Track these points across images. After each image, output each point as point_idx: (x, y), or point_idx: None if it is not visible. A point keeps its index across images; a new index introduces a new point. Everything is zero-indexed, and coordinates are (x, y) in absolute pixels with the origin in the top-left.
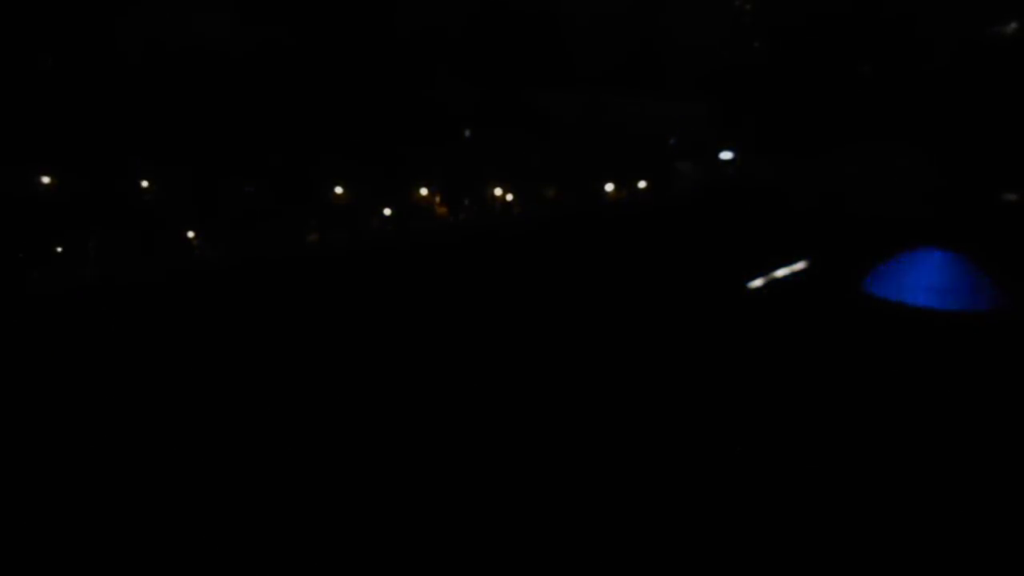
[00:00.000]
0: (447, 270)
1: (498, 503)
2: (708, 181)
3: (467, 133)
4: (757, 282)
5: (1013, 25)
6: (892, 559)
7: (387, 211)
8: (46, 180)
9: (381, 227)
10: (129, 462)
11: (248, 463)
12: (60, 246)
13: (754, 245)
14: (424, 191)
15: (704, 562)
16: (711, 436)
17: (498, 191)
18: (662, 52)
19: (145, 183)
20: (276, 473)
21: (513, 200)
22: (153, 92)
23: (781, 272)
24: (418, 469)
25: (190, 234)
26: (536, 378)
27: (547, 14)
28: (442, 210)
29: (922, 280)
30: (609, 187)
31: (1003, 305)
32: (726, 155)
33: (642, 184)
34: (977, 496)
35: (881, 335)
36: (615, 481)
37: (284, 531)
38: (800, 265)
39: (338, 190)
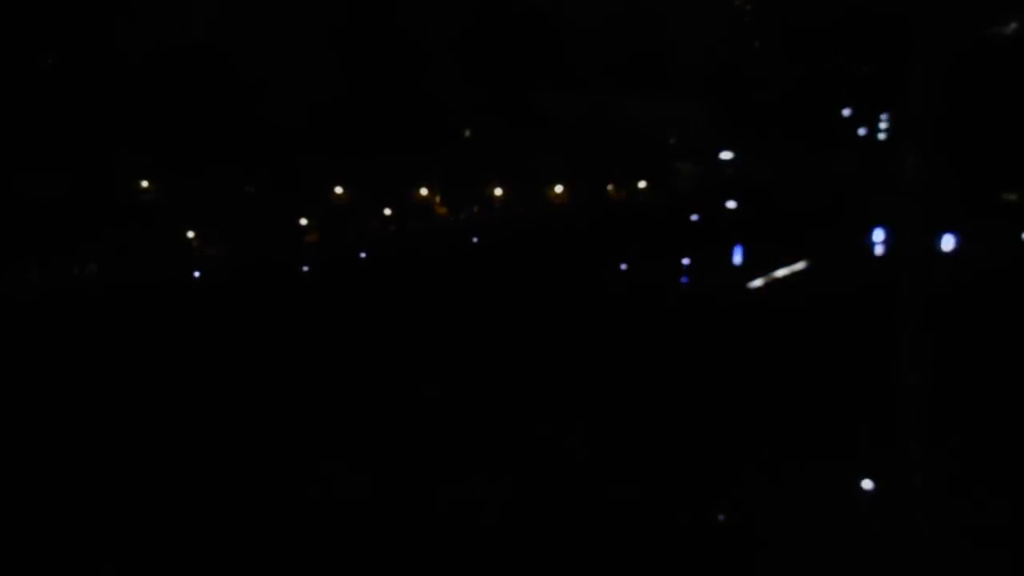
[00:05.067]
0: (446, 270)
1: (495, 503)
2: (708, 181)
3: (467, 133)
4: (757, 282)
5: (1013, 25)
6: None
7: (387, 211)
8: (47, 180)
9: (381, 227)
10: (127, 463)
11: (245, 463)
12: (60, 246)
13: (754, 245)
14: (424, 191)
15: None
16: (711, 436)
17: (498, 191)
18: (662, 52)
19: (145, 183)
20: (273, 473)
21: (513, 200)
22: (153, 92)
23: (781, 272)
24: (416, 468)
25: (190, 234)
26: (536, 377)
27: (547, 14)
28: (442, 210)
29: None
30: (609, 187)
31: None
32: (726, 155)
33: (642, 184)
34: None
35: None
36: (615, 479)
37: (280, 531)
38: (800, 265)
39: (338, 190)
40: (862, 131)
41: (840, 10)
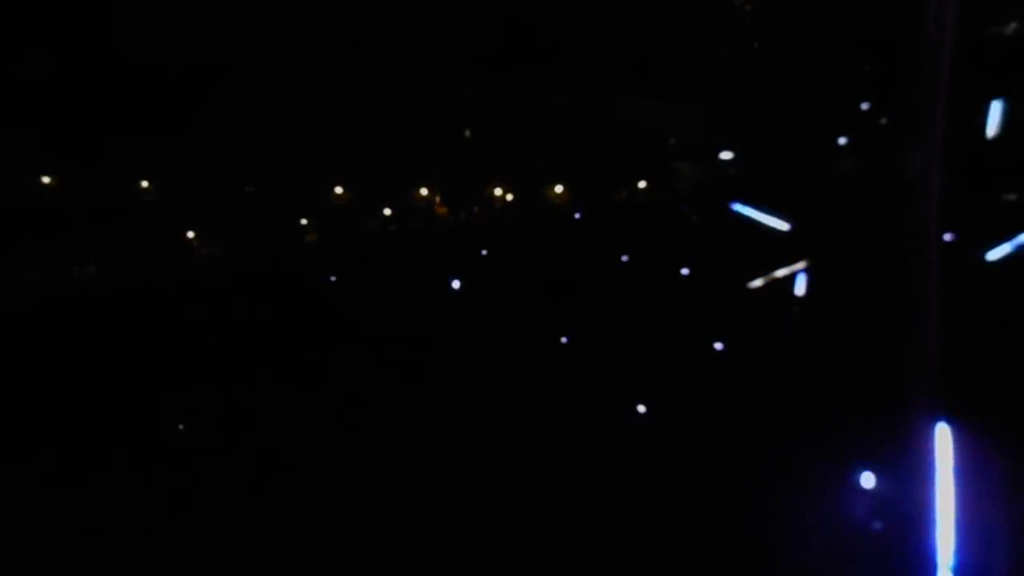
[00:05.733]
0: (448, 269)
1: (498, 495)
2: (708, 181)
3: (467, 133)
4: (757, 282)
5: (1013, 25)
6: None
7: (387, 211)
8: (46, 180)
9: (381, 227)
10: (126, 465)
11: (244, 465)
12: (60, 246)
13: (754, 245)
14: (424, 191)
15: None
16: (708, 438)
17: (498, 191)
18: (662, 52)
19: (145, 183)
20: (273, 474)
21: (513, 200)
22: (153, 92)
23: (781, 272)
24: (417, 468)
25: (190, 234)
26: (538, 376)
27: (546, 13)
28: (442, 210)
29: None
30: (609, 187)
31: None
32: (726, 155)
33: (642, 184)
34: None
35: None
36: (616, 473)
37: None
38: (800, 265)
39: (338, 190)
40: (862, 131)
41: (840, 10)
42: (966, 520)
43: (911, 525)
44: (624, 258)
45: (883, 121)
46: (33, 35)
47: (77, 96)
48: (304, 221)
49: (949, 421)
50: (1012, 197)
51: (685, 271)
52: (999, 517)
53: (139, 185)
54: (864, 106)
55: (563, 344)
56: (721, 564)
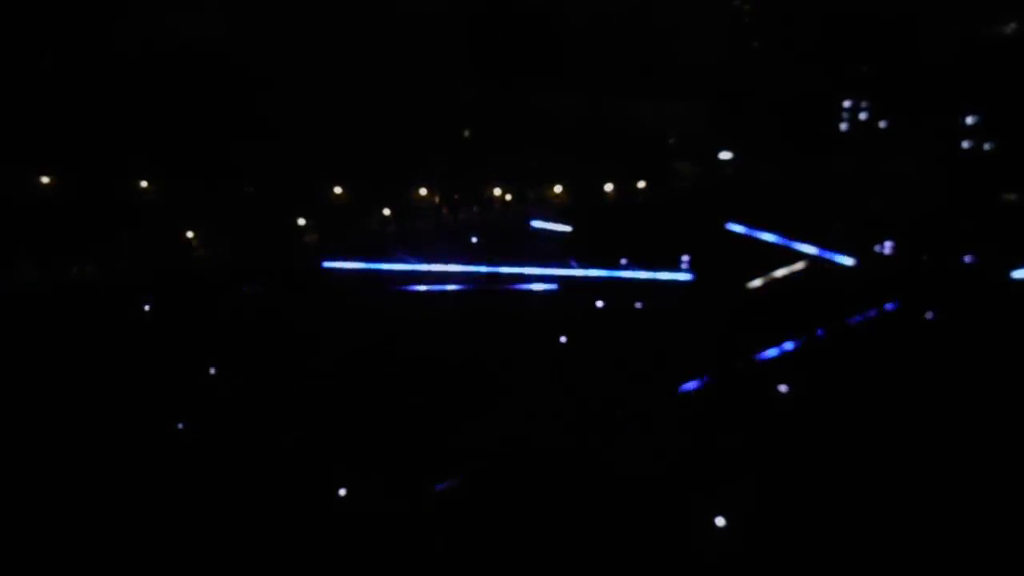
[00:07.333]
0: (447, 268)
1: (496, 493)
2: (707, 181)
3: (467, 133)
4: (757, 282)
5: (1013, 25)
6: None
7: (387, 211)
8: (46, 180)
9: (381, 227)
10: (124, 461)
11: (243, 463)
12: (60, 246)
13: (753, 245)
14: (424, 191)
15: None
16: (705, 438)
17: (498, 191)
18: (662, 52)
19: (145, 183)
20: (270, 473)
21: (513, 200)
22: (153, 93)
23: (781, 272)
24: (416, 466)
25: (189, 234)
26: (542, 374)
27: (547, 14)
28: (443, 210)
29: None
30: (609, 187)
31: None
32: (726, 155)
33: (641, 184)
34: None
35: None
36: (620, 461)
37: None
38: (800, 265)
39: (337, 190)
40: (861, 131)
41: (839, 10)
42: None
43: None
44: (624, 257)
45: (882, 121)
46: (33, 35)
47: (77, 96)
48: (303, 221)
49: None
50: (1012, 197)
51: (684, 269)
52: None
53: (139, 185)
54: (863, 106)
55: (562, 343)
56: None
